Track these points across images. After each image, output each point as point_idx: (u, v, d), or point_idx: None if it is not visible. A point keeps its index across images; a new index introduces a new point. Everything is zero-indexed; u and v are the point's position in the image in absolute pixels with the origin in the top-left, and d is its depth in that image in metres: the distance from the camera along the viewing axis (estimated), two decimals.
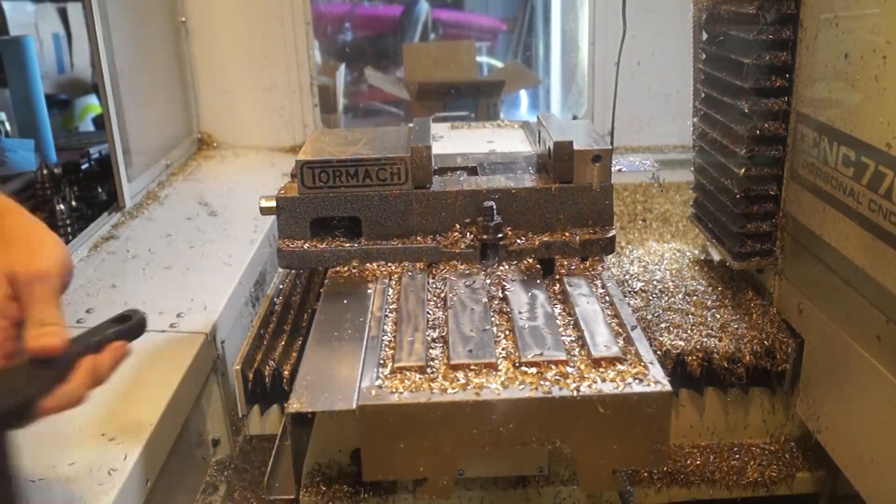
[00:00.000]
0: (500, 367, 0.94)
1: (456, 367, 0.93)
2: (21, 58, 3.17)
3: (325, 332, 1.05)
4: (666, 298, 1.39)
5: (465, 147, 1.65)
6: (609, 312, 1.07)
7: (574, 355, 0.97)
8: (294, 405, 0.89)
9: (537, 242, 1.23)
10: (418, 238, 1.24)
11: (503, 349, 0.99)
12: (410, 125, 1.40)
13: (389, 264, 1.24)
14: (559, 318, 1.07)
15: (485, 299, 1.11)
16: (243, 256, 1.61)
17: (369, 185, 1.22)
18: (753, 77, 1.22)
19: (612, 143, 1.28)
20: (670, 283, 1.45)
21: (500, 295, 1.13)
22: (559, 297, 1.14)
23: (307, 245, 1.23)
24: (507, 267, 1.21)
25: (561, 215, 1.24)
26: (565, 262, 1.22)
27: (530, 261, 1.22)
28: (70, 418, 1.06)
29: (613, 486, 0.94)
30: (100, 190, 2.32)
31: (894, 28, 0.93)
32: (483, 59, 3.61)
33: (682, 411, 1.29)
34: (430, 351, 0.99)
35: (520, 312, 1.06)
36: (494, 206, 1.20)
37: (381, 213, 1.23)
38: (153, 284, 1.49)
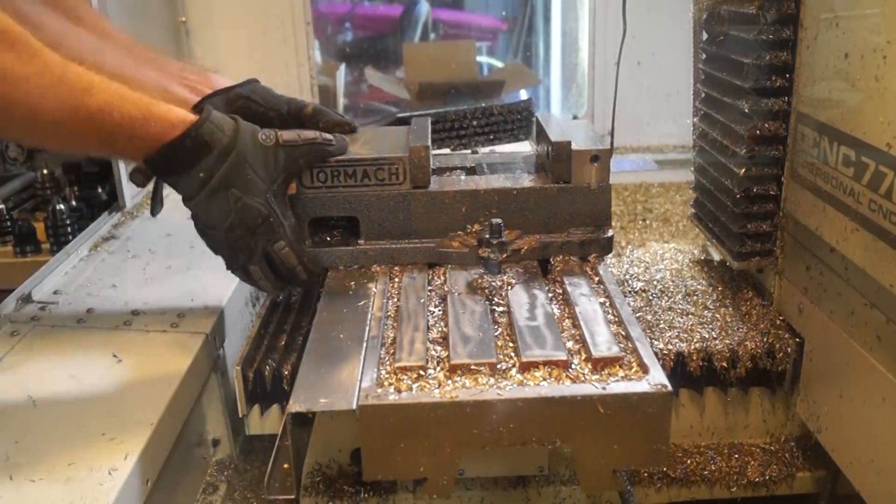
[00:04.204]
0: (500, 367, 0.94)
1: (456, 367, 0.93)
2: None
3: (325, 332, 1.05)
4: (666, 298, 1.39)
5: None
6: (609, 312, 1.07)
7: (574, 355, 0.97)
8: (294, 405, 0.89)
9: (536, 242, 1.23)
10: (417, 238, 1.24)
11: (503, 349, 0.99)
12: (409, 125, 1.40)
13: (389, 264, 1.24)
14: (559, 318, 1.07)
15: (485, 299, 1.11)
16: None
17: (368, 185, 1.22)
18: (753, 77, 1.22)
19: (612, 144, 1.28)
20: (670, 283, 1.45)
21: (501, 295, 1.13)
22: (559, 297, 1.14)
23: (306, 245, 1.23)
24: (506, 267, 1.21)
25: (559, 215, 1.25)
26: (565, 262, 1.22)
27: (529, 261, 1.22)
28: (70, 418, 1.07)
29: (613, 486, 0.94)
30: (100, 190, 2.32)
31: (894, 28, 0.93)
32: (483, 59, 3.60)
33: (682, 411, 1.29)
34: (431, 351, 0.99)
35: (520, 312, 1.06)
36: (502, 224, 1.17)
37: (380, 214, 1.23)
38: (153, 284, 1.49)
